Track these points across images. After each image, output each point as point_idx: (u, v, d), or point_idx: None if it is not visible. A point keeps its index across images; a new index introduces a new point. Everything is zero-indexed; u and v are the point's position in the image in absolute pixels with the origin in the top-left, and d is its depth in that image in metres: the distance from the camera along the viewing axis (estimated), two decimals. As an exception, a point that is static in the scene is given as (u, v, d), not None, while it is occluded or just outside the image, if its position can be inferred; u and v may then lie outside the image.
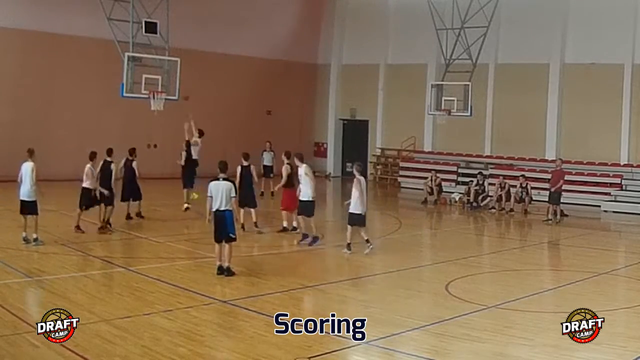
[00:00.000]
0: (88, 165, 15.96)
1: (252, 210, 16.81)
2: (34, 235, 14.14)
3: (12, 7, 24.70)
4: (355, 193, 14.44)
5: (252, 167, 16.82)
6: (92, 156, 16.16)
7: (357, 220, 14.55)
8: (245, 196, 16.10)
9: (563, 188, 21.31)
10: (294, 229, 16.50)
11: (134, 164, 18.10)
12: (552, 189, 20.88)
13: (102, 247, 14.48)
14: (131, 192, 18.11)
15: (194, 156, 19.42)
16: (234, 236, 12.18)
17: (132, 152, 18.41)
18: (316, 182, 15.81)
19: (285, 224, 16.77)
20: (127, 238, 15.93)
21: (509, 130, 28.51)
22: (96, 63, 25.76)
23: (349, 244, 14.54)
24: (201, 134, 19.60)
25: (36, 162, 14.34)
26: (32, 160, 14.30)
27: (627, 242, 19.55)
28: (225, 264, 12.09)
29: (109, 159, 16.60)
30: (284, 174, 16.49)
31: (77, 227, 15.86)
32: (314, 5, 34.72)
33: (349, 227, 14.58)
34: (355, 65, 33.91)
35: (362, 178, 14.70)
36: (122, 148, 26.98)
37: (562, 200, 21.25)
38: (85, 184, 15.94)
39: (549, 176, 22.02)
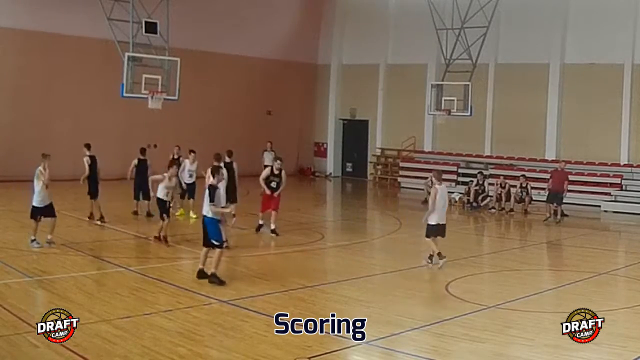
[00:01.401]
0: (167, 175, 15.05)
1: (232, 205, 16.95)
2: (49, 237, 13.85)
3: (12, 7, 24.67)
4: (431, 203, 13.57)
5: (234, 164, 16.93)
6: (172, 163, 15.59)
7: (438, 231, 13.61)
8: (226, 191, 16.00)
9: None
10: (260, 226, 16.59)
11: (149, 163, 18.59)
12: (559, 191, 20.85)
13: (102, 247, 14.48)
14: (143, 191, 18.44)
15: (190, 180, 18.73)
16: (216, 243, 11.62)
17: (144, 151, 18.90)
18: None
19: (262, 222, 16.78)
20: (127, 238, 15.93)
21: (509, 130, 28.49)
22: (96, 63, 25.76)
23: (431, 256, 13.63)
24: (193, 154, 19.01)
25: (47, 166, 13.88)
26: (41, 164, 13.94)
27: (627, 242, 19.55)
28: (211, 270, 11.59)
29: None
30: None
31: (161, 237, 14.91)
32: (314, 5, 34.71)
33: (429, 239, 13.60)
34: (355, 65, 33.89)
35: (441, 187, 13.71)
36: (122, 148, 27.09)
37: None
38: (160, 195, 14.93)
39: (549, 176, 22.00)
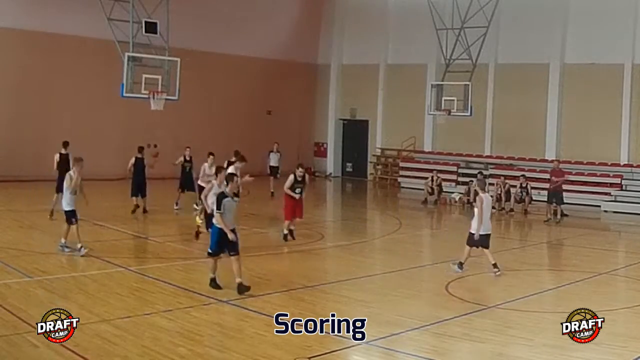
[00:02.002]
0: (215, 182, 14.17)
1: None
2: (78, 245, 13.41)
3: (12, 7, 24.66)
4: (478, 212, 13.06)
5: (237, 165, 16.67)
6: (220, 168, 14.72)
7: (479, 242, 13.10)
8: None
9: (563, 188, 21.35)
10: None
11: (145, 162, 18.96)
12: (557, 190, 20.87)
13: (102, 247, 14.47)
14: (141, 188, 18.82)
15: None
16: (209, 251, 11.32)
17: (141, 150, 19.25)
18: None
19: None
20: (126, 238, 15.93)
21: (509, 130, 28.50)
22: (96, 63, 25.72)
23: (461, 263, 13.12)
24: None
25: (77, 171, 13.54)
26: (73, 167, 13.65)
27: (627, 242, 19.54)
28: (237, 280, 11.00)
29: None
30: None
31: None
32: (313, 5, 34.71)
33: (467, 247, 13.19)
34: (355, 65, 33.90)
35: (485, 195, 13.30)
36: (122, 148, 27.00)
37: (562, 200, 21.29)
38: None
39: (549, 176, 22.01)
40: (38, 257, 13.09)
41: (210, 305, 10.23)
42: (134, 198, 18.76)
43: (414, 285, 12.51)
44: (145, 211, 18.91)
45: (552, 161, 24.70)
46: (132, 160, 18.94)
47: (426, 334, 9.22)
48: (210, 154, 18.55)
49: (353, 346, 8.51)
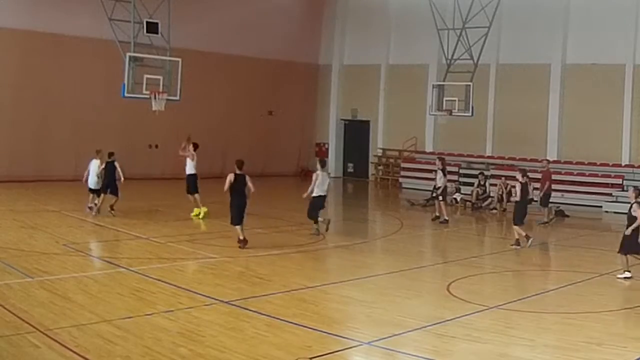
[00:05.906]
0: None
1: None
2: None
3: (12, 7, 24.67)
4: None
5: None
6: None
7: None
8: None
9: (562, 188, 21.29)
10: None
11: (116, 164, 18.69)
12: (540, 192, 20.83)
13: (103, 247, 14.49)
14: (109, 187, 18.64)
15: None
16: None
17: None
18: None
19: None
20: (128, 238, 15.93)
21: (510, 130, 28.50)
22: (97, 63, 25.75)
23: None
24: (195, 147, 19.29)
25: None
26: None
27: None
28: None
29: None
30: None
31: None
32: (315, 6, 34.73)
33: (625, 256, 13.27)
34: (356, 66, 33.92)
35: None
36: (123, 148, 26.99)
37: (563, 201, 21.21)
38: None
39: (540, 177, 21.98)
40: (39, 257, 13.09)
41: (211, 306, 10.23)
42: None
43: (415, 285, 12.50)
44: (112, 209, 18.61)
45: (554, 162, 24.66)
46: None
47: (427, 334, 9.21)
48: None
49: (354, 346, 8.51)
